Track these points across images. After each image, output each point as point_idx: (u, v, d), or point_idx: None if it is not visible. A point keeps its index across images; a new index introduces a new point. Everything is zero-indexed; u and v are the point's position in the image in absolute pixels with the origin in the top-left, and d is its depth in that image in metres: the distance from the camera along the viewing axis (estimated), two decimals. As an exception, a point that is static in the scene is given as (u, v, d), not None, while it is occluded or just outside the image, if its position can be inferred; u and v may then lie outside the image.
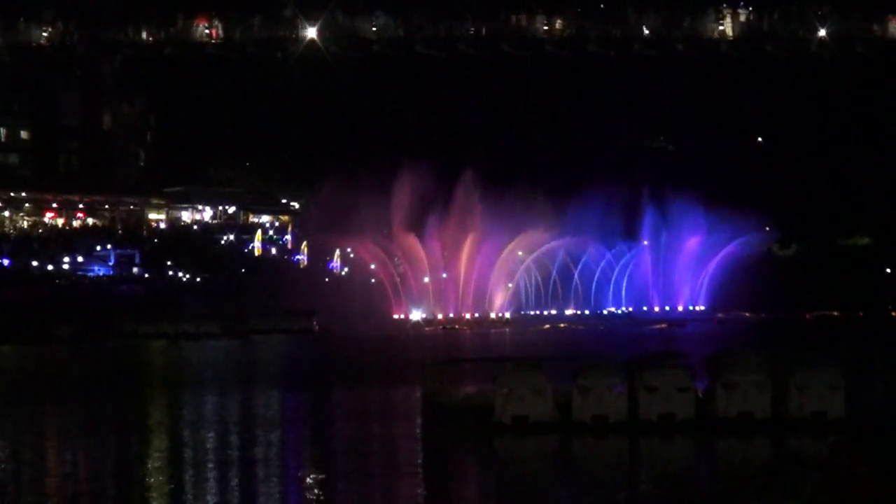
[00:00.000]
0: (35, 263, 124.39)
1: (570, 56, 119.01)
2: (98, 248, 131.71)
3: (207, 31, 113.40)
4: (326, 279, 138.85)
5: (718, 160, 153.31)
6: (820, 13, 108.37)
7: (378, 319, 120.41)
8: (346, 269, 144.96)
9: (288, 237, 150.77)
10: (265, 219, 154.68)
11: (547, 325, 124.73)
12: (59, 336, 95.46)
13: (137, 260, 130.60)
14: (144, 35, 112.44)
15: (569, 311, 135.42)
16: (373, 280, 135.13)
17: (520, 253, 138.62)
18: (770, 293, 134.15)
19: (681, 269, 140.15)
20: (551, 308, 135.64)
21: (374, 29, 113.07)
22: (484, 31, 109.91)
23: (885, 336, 76.46)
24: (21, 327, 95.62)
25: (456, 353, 67.16)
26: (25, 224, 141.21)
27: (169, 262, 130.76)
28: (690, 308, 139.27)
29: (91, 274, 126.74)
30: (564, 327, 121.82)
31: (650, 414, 33.87)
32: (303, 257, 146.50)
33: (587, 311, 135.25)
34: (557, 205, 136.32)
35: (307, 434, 36.44)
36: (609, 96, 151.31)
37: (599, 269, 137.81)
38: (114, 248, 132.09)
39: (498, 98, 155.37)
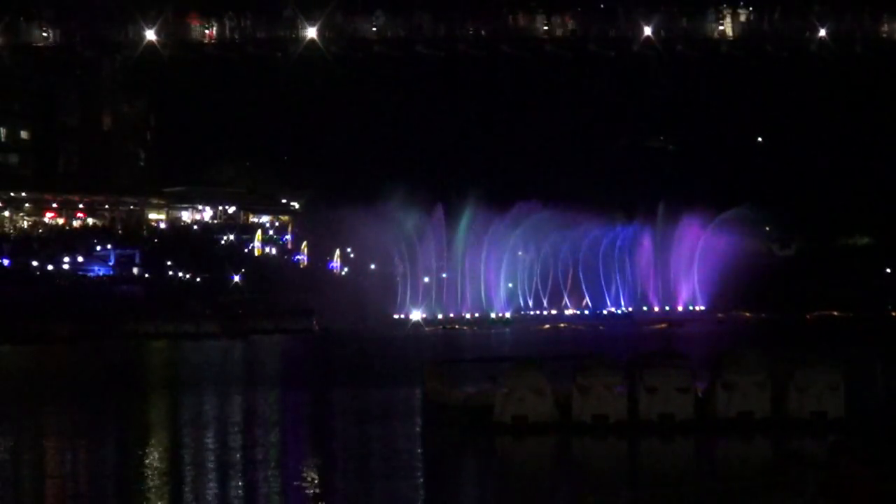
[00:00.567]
0: (35, 263, 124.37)
1: (570, 56, 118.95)
2: (98, 248, 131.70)
3: (207, 31, 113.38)
4: (326, 279, 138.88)
5: (718, 160, 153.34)
6: (820, 13, 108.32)
7: (378, 319, 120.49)
8: (346, 269, 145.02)
9: (288, 237, 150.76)
10: (265, 219, 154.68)
11: (547, 325, 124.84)
12: (59, 336, 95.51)
13: (137, 260, 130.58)
14: (144, 35, 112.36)
15: (569, 311, 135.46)
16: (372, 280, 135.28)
17: (520, 253, 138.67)
18: (770, 293, 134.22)
19: (679, 264, 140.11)
20: (551, 308, 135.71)
21: (374, 29, 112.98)
22: (484, 31, 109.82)
23: (885, 336, 76.48)
24: (21, 327, 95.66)
25: (456, 353, 67.18)
26: (25, 224, 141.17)
27: (169, 262, 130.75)
28: (690, 308, 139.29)
29: (91, 274, 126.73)
30: (564, 327, 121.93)
31: (650, 414, 33.87)
32: (303, 257, 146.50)
33: (587, 311, 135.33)
34: (557, 204, 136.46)
35: (307, 434, 36.45)
36: (609, 96, 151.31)
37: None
38: (114, 248, 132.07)
39: (498, 98, 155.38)
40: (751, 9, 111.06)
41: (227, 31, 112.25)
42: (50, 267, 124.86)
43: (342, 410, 43.40)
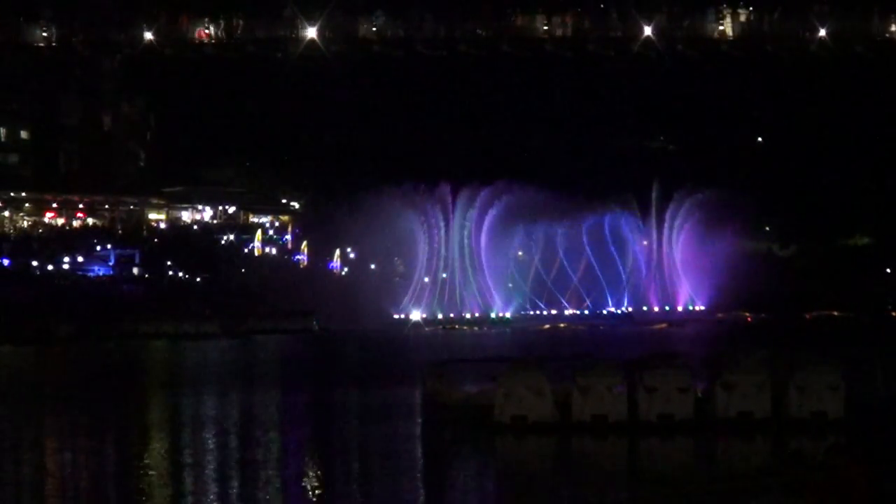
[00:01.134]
0: (35, 263, 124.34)
1: (570, 56, 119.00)
2: (98, 248, 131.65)
3: (207, 30, 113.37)
4: (326, 279, 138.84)
5: (718, 160, 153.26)
6: (820, 13, 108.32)
7: (378, 319, 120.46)
8: (346, 269, 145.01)
9: (288, 237, 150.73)
10: (265, 219, 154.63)
11: (547, 325, 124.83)
12: (59, 336, 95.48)
13: (137, 260, 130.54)
14: (144, 35, 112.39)
15: (569, 311, 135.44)
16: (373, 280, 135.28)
17: (520, 253, 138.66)
18: (770, 293, 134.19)
19: (679, 263, 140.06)
20: (551, 308, 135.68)
21: (374, 29, 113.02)
22: (484, 31, 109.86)
23: (885, 336, 76.51)
24: (21, 327, 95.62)
25: (456, 353, 67.16)
26: (25, 224, 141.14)
27: (169, 262, 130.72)
28: (690, 308, 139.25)
29: (91, 274, 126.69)
30: (564, 327, 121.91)
31: (650, 414, 33.87)
32: (303, 257, 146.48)
33: (587, 312, 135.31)
34: (557, 204, 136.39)
35: (307, 434, 36.45)
36: (609, 96, 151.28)
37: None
38: (114, 248, 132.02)
39: (497, 98, 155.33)
40: (751, 9, 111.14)
41: (227, 31, 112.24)
42: (50, 267, 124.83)
43: (342, 410, 43.41)
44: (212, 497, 25.38)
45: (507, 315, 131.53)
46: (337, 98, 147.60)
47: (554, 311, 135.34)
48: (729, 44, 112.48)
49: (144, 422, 39.22)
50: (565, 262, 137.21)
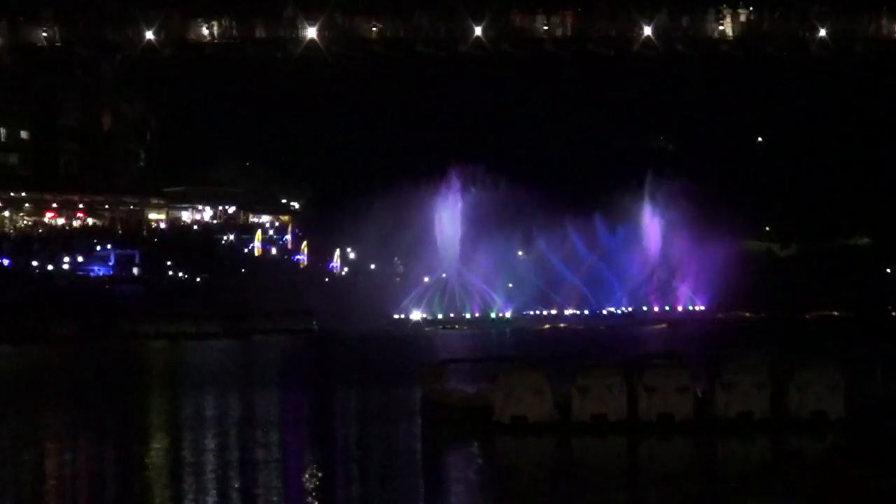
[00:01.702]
0: (35, 263, 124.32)
1: (570, 56, 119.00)
2: (98, 248, 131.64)
3: (207, 31, 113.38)
4: (326, 279, 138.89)
5: (718, 160, 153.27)
6: (820, 13, 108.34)
7: (378, 319, 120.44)
8: (346, 269, 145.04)
9: (288, 237, 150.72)
10: (265, 219, 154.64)
11: (547, 325, 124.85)
12: (59, 336, 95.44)
13: (137, 260, 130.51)
14: (144, 35, 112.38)
15: (568, 311, 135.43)
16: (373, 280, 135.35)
17: (520, 253, 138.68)
18: (770, 293, 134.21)
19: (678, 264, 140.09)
20: (551, 308, 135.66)
21: (374, 29, 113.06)
22: (483, 31, 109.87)
23: (885, 336, 76.48)
24: (21, 327, 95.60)
25: (456, 353, 67.17)
26: (25, 224, 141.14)
27: (169, 262, 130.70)
28: (690, 308, 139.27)
29: (91, 274, 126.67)
30: (564, 327, 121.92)
31: (649, 414, 33.86)
32: (303, 257, 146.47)
33: (587, 311, 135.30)
34: (556, 203, 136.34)
35: (307, 434, 36.45)
36: (609, 96, 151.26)
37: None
38: (114, 248, 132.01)
39: (497, 98, 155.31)
40: (751, 9, 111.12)
41: (228, 31, 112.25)
42: (50, 267, 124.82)
43: (342, 410, 43.42)
44: (212, 497, 25.38)
45: (507, 315, 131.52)
46: (337, 98, 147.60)
47: (554, 311, 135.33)
48: (729, 44, 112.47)
49: (144, 422, 39.22)
50: (564, 262, 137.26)
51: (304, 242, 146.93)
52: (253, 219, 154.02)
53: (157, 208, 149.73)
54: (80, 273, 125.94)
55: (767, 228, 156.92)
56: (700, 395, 34.59)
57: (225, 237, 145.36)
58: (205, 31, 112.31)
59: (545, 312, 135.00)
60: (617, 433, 33.29)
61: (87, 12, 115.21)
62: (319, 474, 28.35)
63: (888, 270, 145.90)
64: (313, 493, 25.85)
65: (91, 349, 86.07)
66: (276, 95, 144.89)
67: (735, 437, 33.20)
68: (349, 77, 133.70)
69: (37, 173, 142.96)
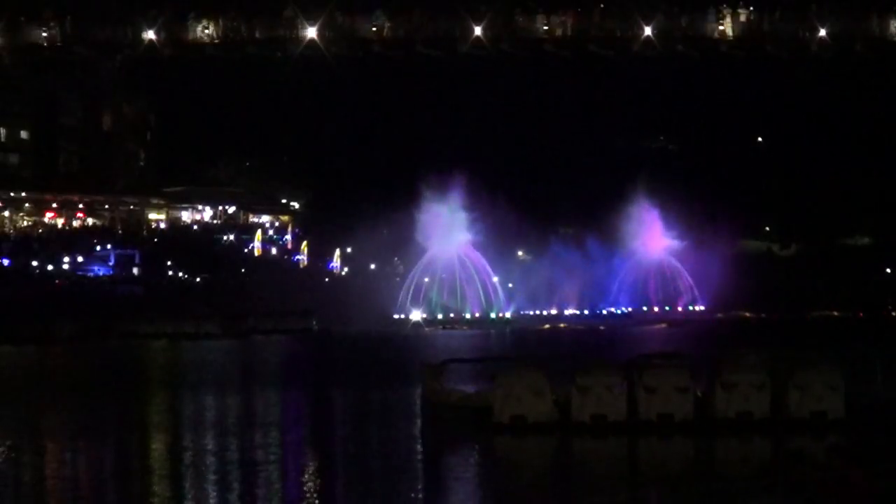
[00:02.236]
0: (35, 263, 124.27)
1: (570, 56, 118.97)
2: (98, 248, 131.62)
3: (207, 31, 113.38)
4: (326, 279, 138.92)
5: (718, 160, 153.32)
6: (820, 13, 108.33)
7: (378, 319, 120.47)
8: (346, 269, 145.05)
9: (288, 237, 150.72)
10: (265, 219, 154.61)
11: (547, 325, 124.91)
12: (59, 336, 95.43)
13: (137, 260, 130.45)
14: (144, 35, 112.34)
15: (568, 311, 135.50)
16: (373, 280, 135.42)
17: (520, 253, 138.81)
18: (770, 293, 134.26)
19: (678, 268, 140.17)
20: (551, 308, 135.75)
21: (374, 29, 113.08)
22: (483, 31, 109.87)
23: (885, 336, 76.47)
24: (21, 327, 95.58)
25: (456, 353, 67.17)
26: (25, 224, 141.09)
27: (169, 262, 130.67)
28: (690, 308, 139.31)
29: (91, 274, 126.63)
30: (564, 327, 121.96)
31: (649, 414, 33.85)
32: (303, 257, 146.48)
33: (586, 311, 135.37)
34: (556, 203, 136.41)
35: (306, 434, 36.45)
36: (609, 96, 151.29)
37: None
38: (114, 248, 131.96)
39: (498, 98, 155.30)
40: (751, 9, 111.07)
41: (228, 31, 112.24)
42: (50, 267, 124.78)
43: (342, 411, 43.42)
44: (212, 497, 25.37)
45: (507, 315, 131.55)
46: (336, 98, 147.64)
47: (554, 311, 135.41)
48: (729, 44, 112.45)
49: (144, 422, 39.21)
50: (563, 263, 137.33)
51: (304, 242, 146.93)
52: (253, 219, 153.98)
53: (157, 208, 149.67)
54: (80, 273, 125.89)
55: (767, 228, 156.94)
56: (700, 395, 34.58)
57: (225, 237, 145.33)
58: (205, 31, 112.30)
59: (545, 312, 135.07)
60: (617, 433, 33.28)
61: (87, 12, 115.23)
62: (319, 474, 28.34)
63: (888, 270, 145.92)
64: (313, 494, 25.85)
65: (91, 349, 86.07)
66: (276, 95, 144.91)
67: (735, 437, 33.20)
68: (349, 77, 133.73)
69: (37, 173, 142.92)
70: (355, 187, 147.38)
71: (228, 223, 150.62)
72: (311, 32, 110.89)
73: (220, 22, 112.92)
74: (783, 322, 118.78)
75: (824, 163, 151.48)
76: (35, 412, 42.26)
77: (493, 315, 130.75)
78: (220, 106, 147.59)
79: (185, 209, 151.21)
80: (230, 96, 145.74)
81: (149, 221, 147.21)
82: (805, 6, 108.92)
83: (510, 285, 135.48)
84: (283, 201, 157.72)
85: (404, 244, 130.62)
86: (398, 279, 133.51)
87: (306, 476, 28.25)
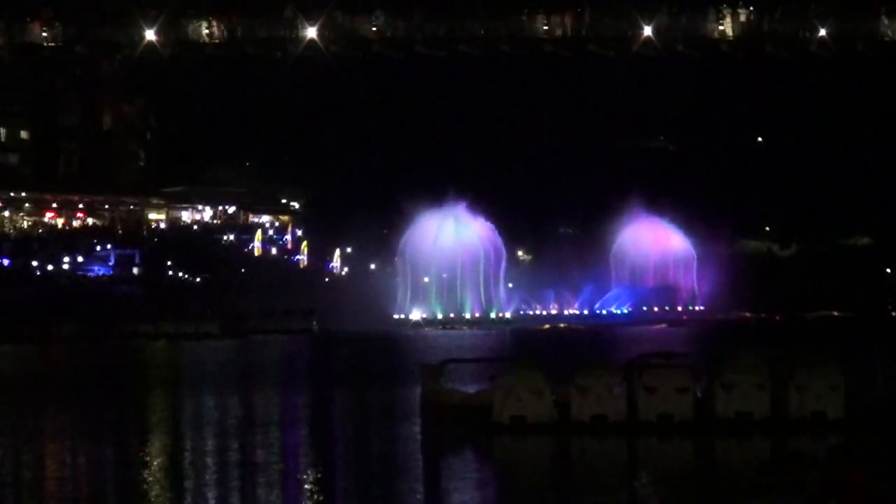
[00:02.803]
0: (35, 263, 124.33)
1: (570, 56, 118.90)
2: (98, 248, 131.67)
3: (207, 31, 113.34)
4: (326, 279, 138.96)
5: (718, 160, 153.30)
6: (820, 13, 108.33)
7: (378, 319, 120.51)
8: (346, 269, 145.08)
9: (288, 237, 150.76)
10: (265, 219, 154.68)
11: (547, 325, 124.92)
12: (59, 336, 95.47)
13: (137, 260, 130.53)
14: (144, 35, 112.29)
15: (568, 311, 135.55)
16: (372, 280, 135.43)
17: (520, 253, 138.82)
18: (770, 293, 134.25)
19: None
20: (551, 308, 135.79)
21: (374, 29, 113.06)
22: (483, 31, 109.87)
23: (885, 336, 76.48)
24: (21, 327, 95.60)
25: (456, 353, 67.19)
26: (25, 224, 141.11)
27: (169, 262, 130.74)
28: (690, 308, 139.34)
29: (91, 274, 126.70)
30: (564, 327, 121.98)
31: (649, 414, 33.83)
32: (303, 257, 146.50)
33: (587, 311, 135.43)
34: (556, 203, 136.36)
35: (306, 434, 36.44)
36: (609, 96, 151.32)
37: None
38: (114, 248, 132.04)
39: (497, 98, 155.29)
40: (751, 9, 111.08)
41: (228, 31, 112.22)
42: (50, 267, 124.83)
43: (342, 411, 43.42)
44: (212, 498, 25.37)
45: (507, 315, 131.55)
46: (336, 98, 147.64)
47: (554, 311, 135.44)
48: (729, 44, 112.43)
49: (144, 422, 39.20)
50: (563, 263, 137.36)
51: (304, 242, 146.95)
52: (253, 219, 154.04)
53: (157, 208, 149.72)
54: (80, 273, 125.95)
55: (767, 228, 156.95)
56: (700, 395, 34.56)
57: (225, 237, 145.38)
58: (205, 31, 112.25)
59: (545, 312, 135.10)
60: (616, 433, 33.27)
61: (87, 12, 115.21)
62: (319, 475, 28.34)
63: (888, 270, 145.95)
64: (313, 494, 25.85)
65: (91, 349, 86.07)
66: (276, 95, 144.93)
67: (735, 437, 33.18)
68: (349, 77, 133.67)
69: (37, 173, 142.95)
70: (355, 187, 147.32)
71: (228, 223, 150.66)
72: (311, 32, 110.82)
73: (220, 22, 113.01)
74: (783, 322, 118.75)
75: (824, 163, 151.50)
76: (35, 412, 42.26)
77: (493, 315, 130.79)
78: (220, 106, 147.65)
79: (185, 209, 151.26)
80: (230, 96, 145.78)
81: (149, 221, 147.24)
82: (805, 6, 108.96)
83: (510, 285, 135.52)
84: (283, 201, 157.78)
85: (404, 244, 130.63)
86: (398, 279, 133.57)
87: (306, 476, 28.24)
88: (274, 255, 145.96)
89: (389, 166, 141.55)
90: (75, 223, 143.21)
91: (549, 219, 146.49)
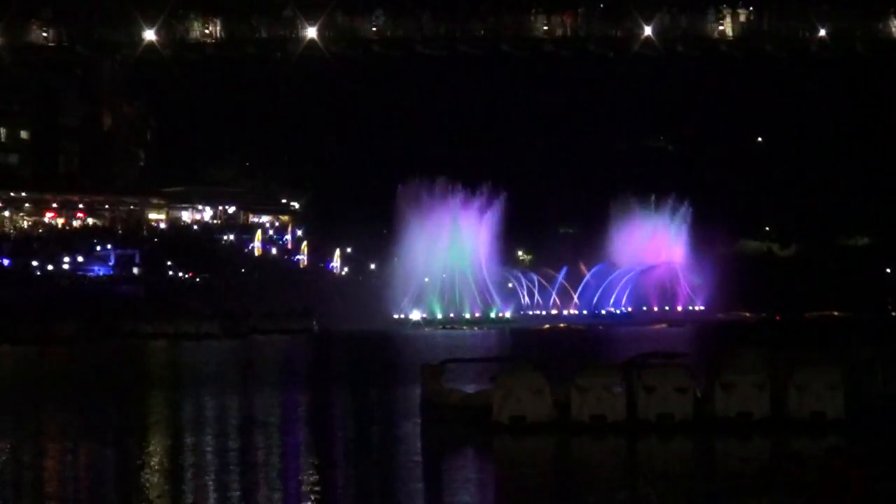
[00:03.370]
0: (35, 263, 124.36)
1: (570, 56, 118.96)
2: (98, 248, 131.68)
3: (207, 31, 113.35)
4: (326, 279, 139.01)
5: (718, 160, 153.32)
6: (820, 13, 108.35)
7: (378, 319, 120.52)
8: (346, 269, 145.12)
9: (288, 237, 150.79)
10: (265, 219, 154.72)
11: (547, 325, 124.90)
12: (59, 336, 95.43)
13: (137, 260, 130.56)
14: (144, 35, 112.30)
15: (568, 311, 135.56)
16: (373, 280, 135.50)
17: (520, 253, 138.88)
18: (770, 293, 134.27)
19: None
20: (551, 308, 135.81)
21: (374, 29, 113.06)
22: (483, 31, 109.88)
23: (885, 336, 76.49)
24: (21, 327, 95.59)
25: (456, 353, 67.21)
26: (25, 224, 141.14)
27: (169, 262, 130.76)
28: (690, 308, 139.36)
29: (91, 274, 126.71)
30: (564, 327, 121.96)
31: (649, 414, 33.84)
32: (303, 257, 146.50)
33: (586, 311, 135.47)
34: (556, 203, 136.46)
35: (306, 435, 36.46)
36: (609, 96, 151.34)
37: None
38: (114, 248, 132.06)
39: (497, 98, 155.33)
40: (751, 9, 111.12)
41: (228, 31, 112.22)
42: (50, 267, 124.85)
43: (342, 411, 43.43)
44: (212, 498, 25.39)
45: (507, 315, 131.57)
46: (337, 98, 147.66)
47: (554, 311, 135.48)
48: (729, 44, 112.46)
49: (144, 422, 39.21)
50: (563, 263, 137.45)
51: (304, 242, 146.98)
52: (253, 219, 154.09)
53: (157, 208, 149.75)
54: (80, 273, 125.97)
55: (767, 228, 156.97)
56: (699, 395, 34.57)
57: (225, 237, 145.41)
58: (205, 31, 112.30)
59: (545, 312, 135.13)
60: (616, 433, 33.28)
61: (87, 12, 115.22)
62: (318, 475, 28.35)
63: (888, 270, 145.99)
64: (312, 494, 25.86)
65: (91, 349, 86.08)
66: (277, 95, 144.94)
67: (734, 437, 33.19)
68: (349, 77, 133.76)
69: (37, 173, 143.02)
70: (355, 187, 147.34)
71: (228, 223, 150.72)
72: (311, 32, 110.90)
73: (220, 22, 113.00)
74: (783, 322, 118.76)
75: (824, 163, 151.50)
76: (35, 412, 42.26)
77: (492, 315, 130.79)
78: (220, 106, 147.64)
79: (185, 209, 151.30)
80: (230, 96, 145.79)
81: (149, 221, 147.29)
82: (805, 6, 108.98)
83: (510, 285, 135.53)
84: (283, 201, 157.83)
85: (404, 244, 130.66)
86: (398, 279, 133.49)
87: (306, 476, 28.26)
88: (274, 255, 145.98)
89: (389, 166, 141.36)
90: (75, 223, 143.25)
91: (549, 219, 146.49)
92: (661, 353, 37.74)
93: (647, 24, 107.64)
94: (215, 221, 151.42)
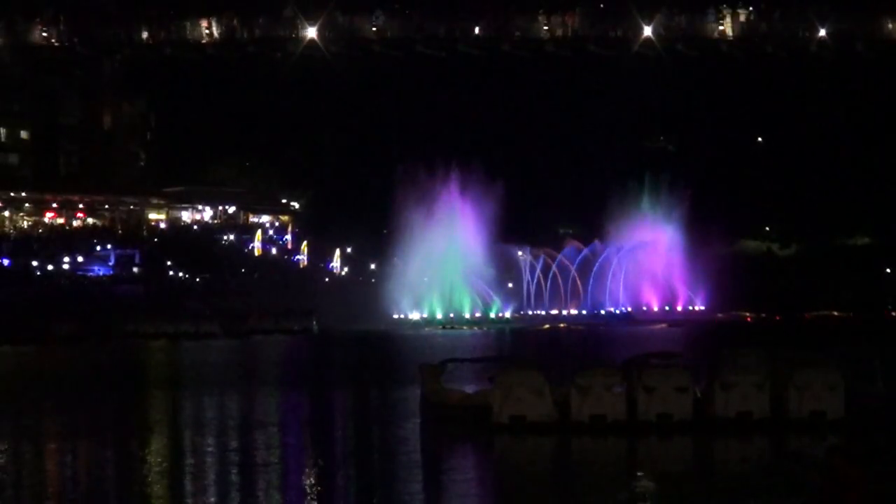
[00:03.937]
0: (35, 263, 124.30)
1: (570, 56, 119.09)
2: (98, 248, 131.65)
3: (207, 31, 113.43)
4: (326, 279, 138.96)
5: (718, 160, 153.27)
6: (820, 13, 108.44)
7: (377, 320, 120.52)
8: (346, 269, 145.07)
9: (288, 237, 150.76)
10: (265, 219, 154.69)
11: (547, 325, 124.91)
12: (59, 336, 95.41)
13: (137, 260, 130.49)
14: (144, 35, 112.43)
15: (568, 311, 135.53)
16: (373, 280, 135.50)
17: (520, 253, 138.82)
18: (770, 293, 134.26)
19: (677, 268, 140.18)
20: (552, 308, 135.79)
21: (374, 29, 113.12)
22: (483, 31, 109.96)
23: (885, 336, 76.51)
24: (21, 327, 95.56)
25: (455, 353, 67.20)
26: (25, 224, 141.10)
27: (169, 262, 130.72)
28: (690, 308, 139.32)
29: (91, 274, 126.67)
30: (564, 327, 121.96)
31: (648, 414, 33.85)
32: (303, 257, 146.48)
33: (585, 311, 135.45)
34: (556, 203, 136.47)
35: (306, 435, 36.46)
36: (609, 96, 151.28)
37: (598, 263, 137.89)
38: (114, 248, 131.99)
39: (498, 98, 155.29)
40: (751, 9, 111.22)
41: (228, 31, 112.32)
42: (50, 267, 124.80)
43: (341, 411, 43.43)
44: (212, 498, 25.39)
45: (507, 315, 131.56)
46: (337, 98, 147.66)
47: (554, 311, 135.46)
48: (729, 44, 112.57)
49: (144, 422, 39.20)
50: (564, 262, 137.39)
51: (304, 242, 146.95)
52: (253, 219, 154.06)
53: (157, 208, 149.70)
54: (80, 273, 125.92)
55: (767, 228, 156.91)
56: (699, 395, 34.58)
57: (225, 237, 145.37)
58: (205, 31, 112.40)
59: (545, 312, 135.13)
60: (616, 433, 33.29)
61: (87, 12, 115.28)
62: (318, 475, 28.35)
63: (888, 270, 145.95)
64: (312, 494, 25.86)
65: (91, 349, 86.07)
66: (277, 95, 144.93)
67: (734, 437, 33.20)
68: (349, 77, 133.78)
69: (37, 173, 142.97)
70: (355, 187, 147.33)
71: (228, 223, 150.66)
72: (311, 32, 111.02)
73: (220, 22, 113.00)
74: (783, 322, 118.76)
75: (824, 163, 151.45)
76: (35, 412, 42.26)
77: (492, 315, 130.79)
78: (220, 106, 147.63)
79: (185, 209, 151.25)
80: (230, 96, 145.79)
81: (149, 221, 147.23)
82: (805, 6, 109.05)
83: (510, 285, 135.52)
84: (283, 201, 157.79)
85: (404, 244, 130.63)
86: (397, 279, 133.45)
87: (306, 476, 28.26)
88: (274, 255, 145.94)
89: (389, 166, 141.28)
90: (75, 223, 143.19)
91: (549, 219, 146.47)
92: (661, 354, 37.74)
93: (647, 24, 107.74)
94: (215, 221, 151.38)
